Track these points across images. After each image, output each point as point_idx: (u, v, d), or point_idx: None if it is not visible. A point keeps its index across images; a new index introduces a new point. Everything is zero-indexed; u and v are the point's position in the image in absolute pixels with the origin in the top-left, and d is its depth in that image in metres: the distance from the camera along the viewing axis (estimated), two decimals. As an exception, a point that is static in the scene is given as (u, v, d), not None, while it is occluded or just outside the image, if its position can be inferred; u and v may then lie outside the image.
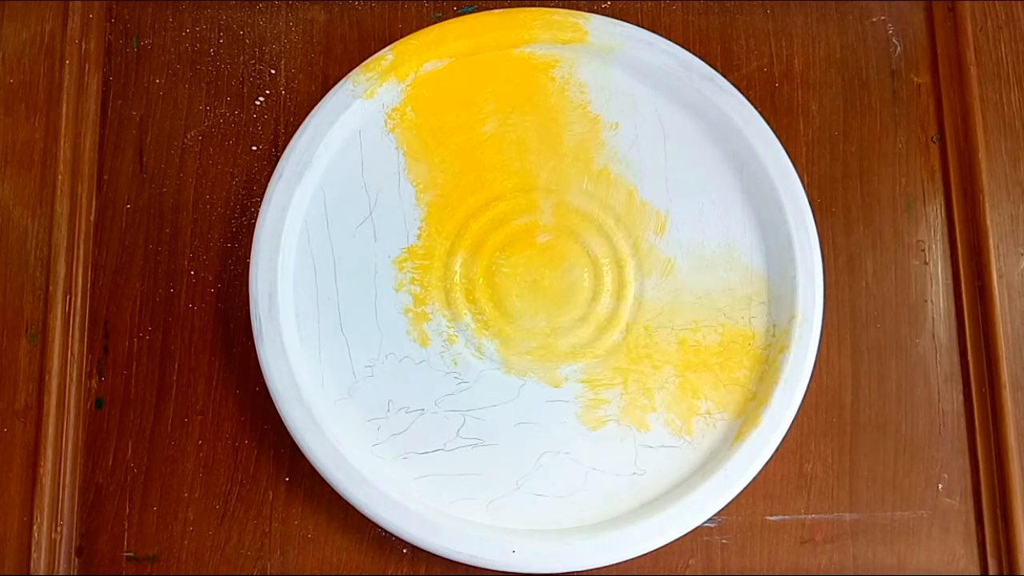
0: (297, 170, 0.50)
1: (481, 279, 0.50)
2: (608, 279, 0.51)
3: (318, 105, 0.51)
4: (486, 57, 0.52)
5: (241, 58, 0.54)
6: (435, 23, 0.53)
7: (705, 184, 0.52)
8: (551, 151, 0.52)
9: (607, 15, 0.53)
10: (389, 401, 0.49)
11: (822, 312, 0.50)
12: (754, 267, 0.52)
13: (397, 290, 0.50)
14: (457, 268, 0.51)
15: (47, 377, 0.49)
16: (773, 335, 0.51)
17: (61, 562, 0.49)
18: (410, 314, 0.50)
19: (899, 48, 0.56)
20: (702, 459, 0.50)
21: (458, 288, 0.50)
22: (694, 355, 0.51)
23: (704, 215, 0.52)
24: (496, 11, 0.53)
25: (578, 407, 0.50)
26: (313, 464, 0.48)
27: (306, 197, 0.51)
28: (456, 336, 0.50)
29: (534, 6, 0.53)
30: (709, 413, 0.50)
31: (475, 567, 0.47)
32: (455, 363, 0.50)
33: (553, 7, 0.53)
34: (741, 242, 0.52)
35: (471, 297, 0.50)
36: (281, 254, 0.50)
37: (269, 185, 0.50)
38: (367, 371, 0.50)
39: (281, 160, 0.50)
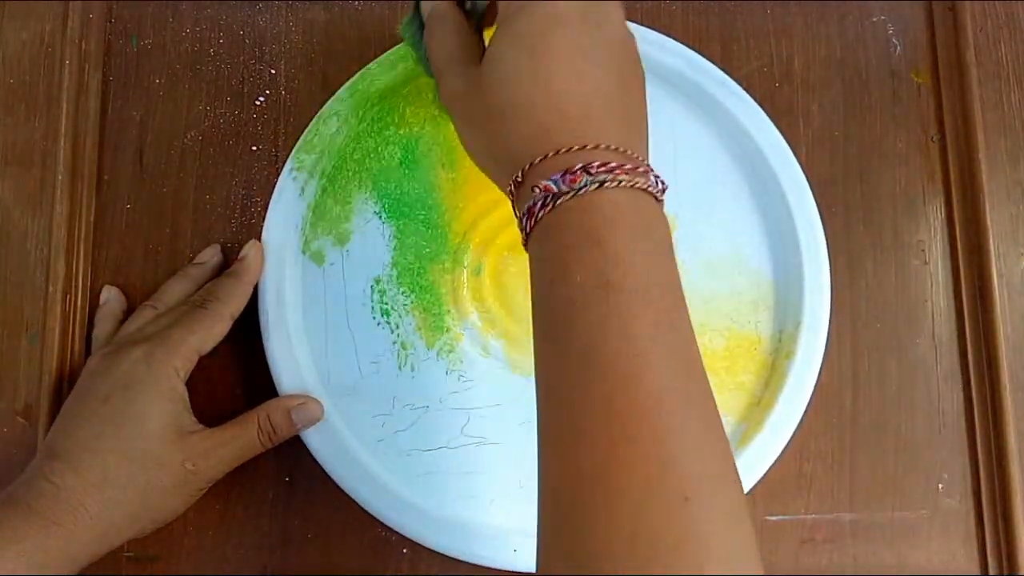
0: (303, 168, 0.50)
1: (488, 278, 0.50)
2: (614, 281, 0.51)
3: (326, 105, 0.51)
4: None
5: (241, 58, 0.54)
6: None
7: (714, 188, 0.52)
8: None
9: (608, 15, 0.53)
10: (394, 398, 0.49)
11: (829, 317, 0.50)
12: (761, 272, 0.51)
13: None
14: (465, 267, 0.50)
15: (47, 377, 0.49)
16: (779, 340, 0.51)
17: (61, 563, 0.49)
18: (416, 311, 0.50)
19: (899, 48, 0.56)
20: (706, 462, 0.49)
21: (465, 286, 0.50)
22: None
23: (712, 219, 0.52)
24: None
25: (582, 407, 0.49)
26: (317, 459, 0.47)
27: (312, 195, 0.50)
28: (462, 334, 0.50)
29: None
30: (714, 417, 0.50)
31: (477, 565, 0.47)
32: (460, 361, 0.49)
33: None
34: (749, 247, 0.52)
35: (478, 296, 0.50)
36: (288, 251, 0.49)
37: (279, 181, 0.50)
38: (372, 367, 0.49)
39: (290, 159, 0.50)
